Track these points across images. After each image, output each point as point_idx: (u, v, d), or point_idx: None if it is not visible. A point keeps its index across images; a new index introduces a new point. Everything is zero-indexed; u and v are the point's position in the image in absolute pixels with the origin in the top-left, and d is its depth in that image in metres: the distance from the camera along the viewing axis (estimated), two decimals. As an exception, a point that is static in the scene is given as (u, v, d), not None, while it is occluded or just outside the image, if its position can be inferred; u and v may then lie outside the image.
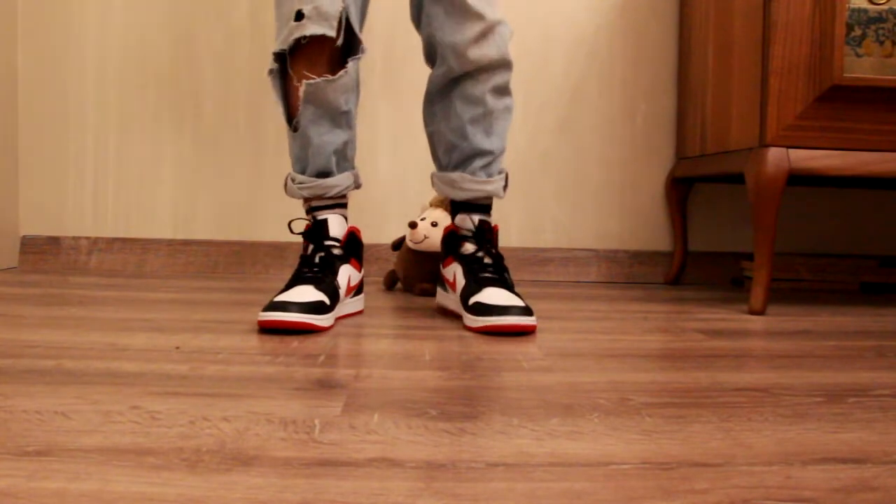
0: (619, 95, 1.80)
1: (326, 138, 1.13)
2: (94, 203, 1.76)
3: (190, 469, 0.49)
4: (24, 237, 1.75)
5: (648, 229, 1.82)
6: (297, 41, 1.07)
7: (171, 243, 1.75)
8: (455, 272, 1.15)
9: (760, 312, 1.30)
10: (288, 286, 1.06)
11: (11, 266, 1.73)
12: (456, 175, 1.17)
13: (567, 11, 1.78)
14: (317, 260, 1.11)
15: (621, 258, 1.80)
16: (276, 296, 1.04)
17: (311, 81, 1.08)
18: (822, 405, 0.69)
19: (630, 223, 1.82)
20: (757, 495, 0.47)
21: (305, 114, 1.11)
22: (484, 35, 1.09)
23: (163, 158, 1.76)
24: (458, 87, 1.15)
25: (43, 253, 1.75)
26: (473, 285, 1.09)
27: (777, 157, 1.28)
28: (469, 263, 1.13)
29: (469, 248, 1.16)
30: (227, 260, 1.75)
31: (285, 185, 1.18)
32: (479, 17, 1.08)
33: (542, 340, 0.99)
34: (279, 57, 1.10)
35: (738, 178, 1.61)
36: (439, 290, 1.24)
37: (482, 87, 1.13)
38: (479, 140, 1.15)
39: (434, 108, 1.20)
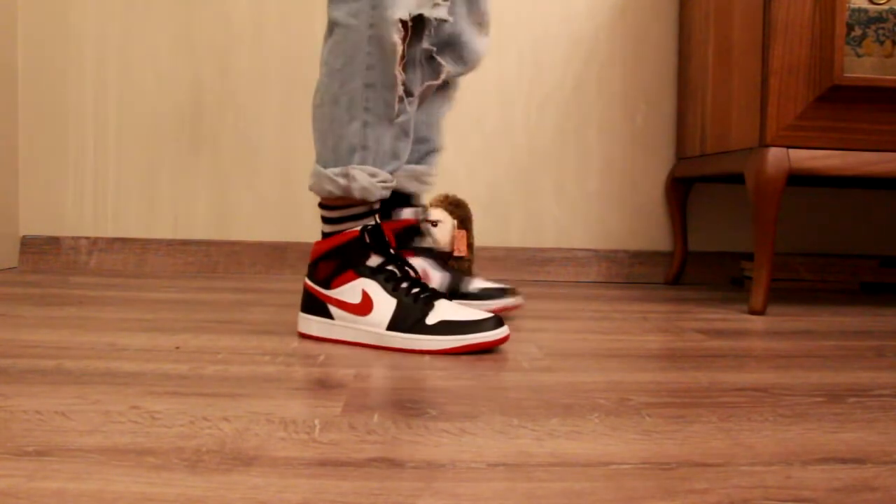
0: (619, 95, 1.80)
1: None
2: (94, 203, 1.76)
3: (190, 469, 0.49)
4: (24, 237, 1.75)
5: (648, 229, 1.82)
6: (420, 16, 0.91)
7: (171, 243, 1.75)
8: (424, 267, 1.14)
9: (760, 312, 1.30)
10: (429, 306, 0.90)
11: (11, 266, 1.73)
12: (424, 168, 1.15)
13: (567, 11, 1.78)
14: (409, 271, 0.95)
15: (621, 258, 1.80)
16: (434, 317, 0.89)
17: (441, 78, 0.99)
18: (822, 405, 0.69)
19: (630, 223, 1.82)
20: (757, 495, 0.47)
21: (412, 104, 0.96)
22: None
23: (162, 158, 1.76)
24: (445, 85, 1.17)
25: (43, 253, 1.75)
26: (457, 276, 1.15)
27: (777, 157, 1.28)
28: (437, 257, 1.15)
29: (428, 241, 1.16)
30: (227, 260, 1.75)
31: (342, 183, 0.92)
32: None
33: (542, 340, 0.99)
34: (404, 25, 0.90)
35: (738, 178, 1.61)
36: None
37: (455, 91, 1.20)
38: (442, 138, 1.21)
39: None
